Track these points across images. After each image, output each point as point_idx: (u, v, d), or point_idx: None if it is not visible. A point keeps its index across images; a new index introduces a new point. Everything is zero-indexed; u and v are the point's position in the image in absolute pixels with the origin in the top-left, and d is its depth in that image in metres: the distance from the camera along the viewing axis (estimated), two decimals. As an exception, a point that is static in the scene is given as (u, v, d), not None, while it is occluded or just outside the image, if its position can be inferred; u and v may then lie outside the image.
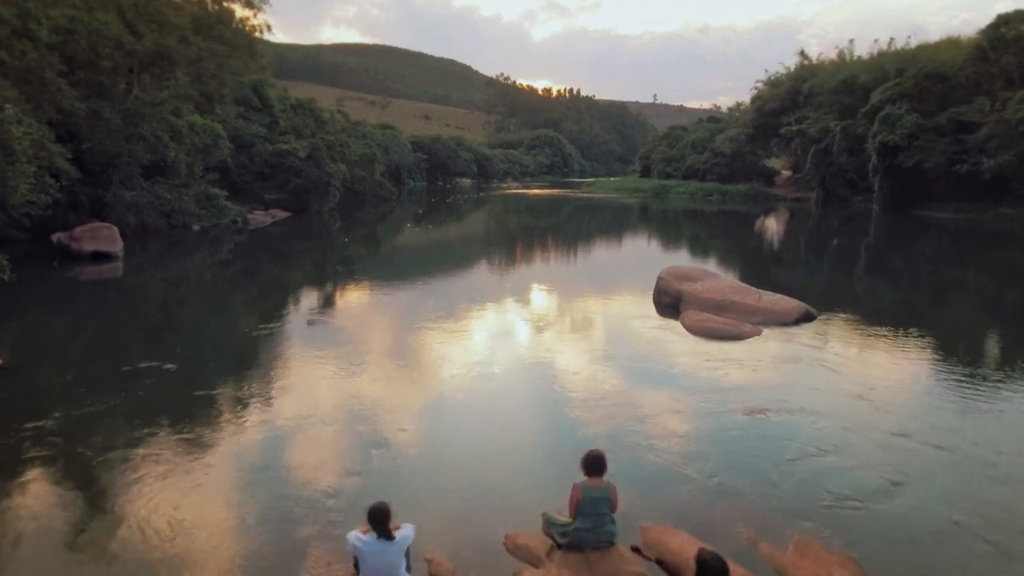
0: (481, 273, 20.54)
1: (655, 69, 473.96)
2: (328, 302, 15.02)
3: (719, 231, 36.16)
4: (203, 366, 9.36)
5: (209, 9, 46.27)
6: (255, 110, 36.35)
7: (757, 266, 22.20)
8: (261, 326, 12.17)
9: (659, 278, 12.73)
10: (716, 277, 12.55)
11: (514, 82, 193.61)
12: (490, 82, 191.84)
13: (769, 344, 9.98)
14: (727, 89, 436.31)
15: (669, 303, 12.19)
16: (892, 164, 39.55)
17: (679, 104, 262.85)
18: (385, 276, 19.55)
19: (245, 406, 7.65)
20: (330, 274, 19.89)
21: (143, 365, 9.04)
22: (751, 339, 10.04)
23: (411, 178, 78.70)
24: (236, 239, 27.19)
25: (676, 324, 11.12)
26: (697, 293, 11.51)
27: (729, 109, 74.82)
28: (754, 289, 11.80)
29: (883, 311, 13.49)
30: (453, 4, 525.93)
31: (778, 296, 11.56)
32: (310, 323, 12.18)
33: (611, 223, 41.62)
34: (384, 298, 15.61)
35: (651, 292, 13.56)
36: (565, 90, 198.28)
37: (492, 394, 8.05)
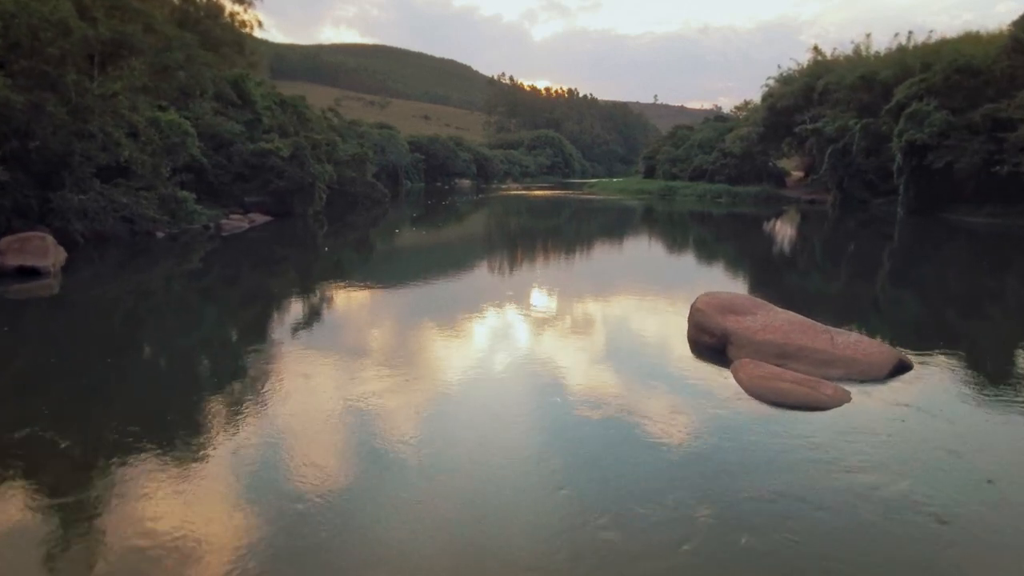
0: (471, 291, 17.90)
1: (656, 69, 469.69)
2: (297, 337, 12.38)
3: (738, 237, 33.53)
4: (99, 444, 6.72)
5: (197, 1, 43.90)
6: (234, 106, 33.70)
7: (797, 282, 19.57)
8: (195, 381, 9.55)
9: (696, 310, 10.00)
10: (768, 309, 9.83)
11: (516, 82, 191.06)
12: (491, 82, 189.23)
13: (865, 415, 7.21)
14: (727, 90, 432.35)
15: (712, 345, 9.45)
16: (919, 164, 36.90)
17: (680, 104, 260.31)
18: (363, 297, 16.92)
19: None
20: (303, 296, 17.25)
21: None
22: (838, 408, 7.31)
23: (409, 179, 76.33)
24: (208, 247, 24.58)
25: (726, 378, 8.35)
26: (751, 333, 8.80)
27: (736, 108, 72.23)
28: (821, 326, 9.10)
29: (989, 350, 10.70)
30: (453, 4, 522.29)
31: (855, 336, 8.85)
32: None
33: (620, 228, 38.99)
34: (352, 336, 12.97)
35: (681, 322, 10.92)
36: (565, 89, 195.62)
37: (466, 515, 5.41)
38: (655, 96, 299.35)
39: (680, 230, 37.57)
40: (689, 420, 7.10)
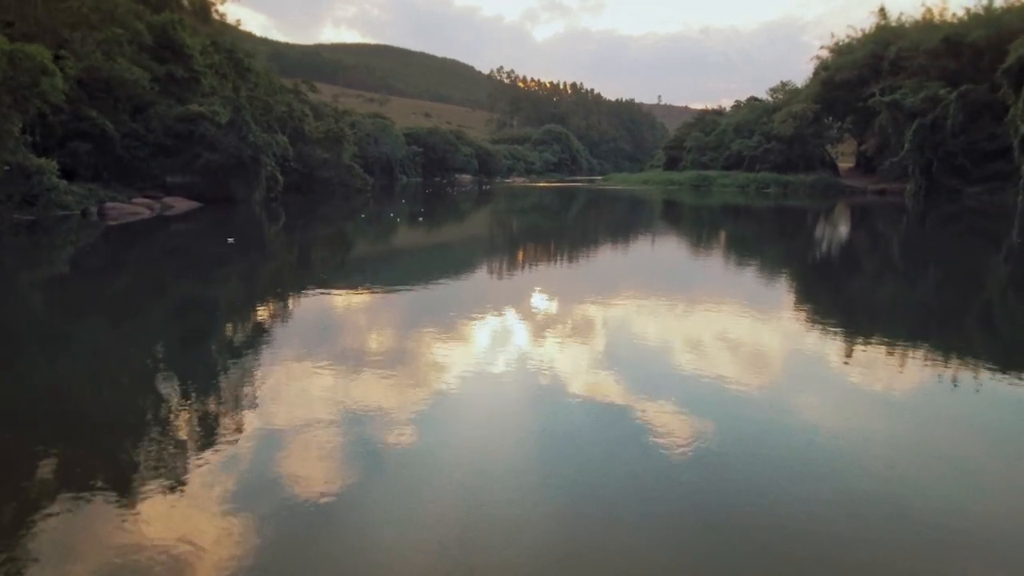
0: (483, 327, 9.52)
1: (658, 70, 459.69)
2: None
3: (839, 238, 25.10)
4: None
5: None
6: (159, 60, 25.34)
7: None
8: None
9: None
10: None
11: (517, 77, 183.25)
12: (491, 77, 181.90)
13: None
14: (730, 91, 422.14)
15: None
16: (1055, 137, 28.48)
17: (684, 105, 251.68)
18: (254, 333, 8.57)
19: None
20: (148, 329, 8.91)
21: None
22: None
23: (404, 173, 68.63)
24: (80, 242, 16.29)
25: None
26: None
27: (771, 90, 63.50)
28: None
29: None
30: (454, 4, 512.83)
31: None
32: None
33: (684, 230, 30.57)
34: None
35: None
36: (568, 84, 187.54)
37: None
38: (659, 97, 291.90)
39: (757, 231, 29.08)
40: None
